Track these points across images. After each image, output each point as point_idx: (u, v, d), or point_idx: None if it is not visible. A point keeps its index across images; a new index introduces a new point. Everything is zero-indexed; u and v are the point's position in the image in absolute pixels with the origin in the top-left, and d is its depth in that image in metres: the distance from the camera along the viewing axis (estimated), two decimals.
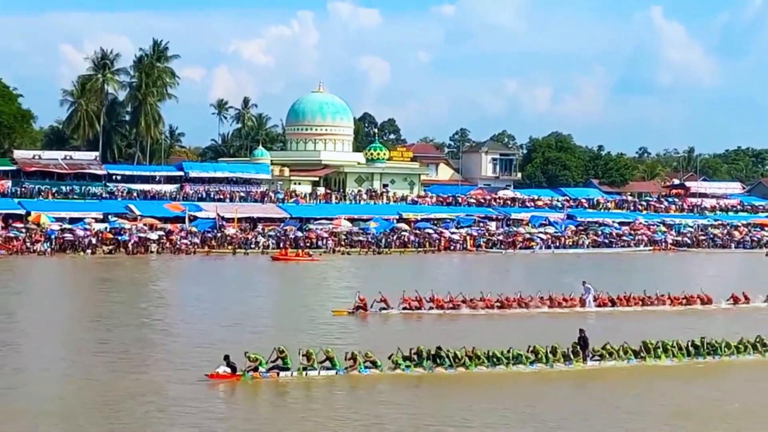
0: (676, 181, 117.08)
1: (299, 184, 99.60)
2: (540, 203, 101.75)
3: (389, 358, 25.18)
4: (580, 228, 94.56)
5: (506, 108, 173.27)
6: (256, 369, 24.79)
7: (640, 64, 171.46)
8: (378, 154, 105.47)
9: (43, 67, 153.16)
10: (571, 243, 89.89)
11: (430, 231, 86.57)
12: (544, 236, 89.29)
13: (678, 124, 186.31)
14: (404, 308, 39.29)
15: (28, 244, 75.10)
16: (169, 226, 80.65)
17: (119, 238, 77.43)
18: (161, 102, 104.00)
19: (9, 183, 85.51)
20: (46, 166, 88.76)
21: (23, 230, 77.75)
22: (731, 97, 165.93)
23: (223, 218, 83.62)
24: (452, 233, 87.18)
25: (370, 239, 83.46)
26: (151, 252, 75.46)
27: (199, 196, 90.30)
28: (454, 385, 24.29)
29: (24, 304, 44.57)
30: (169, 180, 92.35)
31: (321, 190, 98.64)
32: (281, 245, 79.35)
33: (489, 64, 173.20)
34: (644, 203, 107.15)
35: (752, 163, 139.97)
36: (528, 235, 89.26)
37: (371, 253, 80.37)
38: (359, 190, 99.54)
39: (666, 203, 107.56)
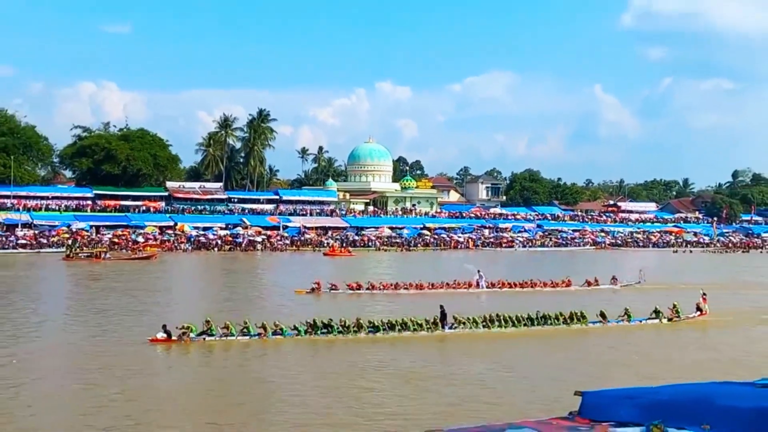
0: (611, 202, 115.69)
1: (356, 204, 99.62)
2: (519, 216, 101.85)
3: (294, 327, 23.32)
4: (546, 233, 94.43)
5: (496, 152, 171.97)
6: (185, 334, 22.58)
7: (587, 122, 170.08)
8: (409, 184, 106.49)
9: (185, 126, 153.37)
10: (539, 244, 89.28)
11: (444, 235, 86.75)
12: (521, 239, 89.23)
13: (612, 163, 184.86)
14: (350, 290, 36.52)
15: (176, 245, 75.86)
16: (269, 233, 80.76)
17: (236, 240, 77.58)
18: (264, 149, 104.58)
19: (163, 203, 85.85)
20: (187, 193, 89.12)
21: (173, 235, 78.50)
22: (649, 144, 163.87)
23: (305, 227, 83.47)
24: (459, 237, 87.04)
25: (403, 241, 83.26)
26: (257, 250, 75.51)
27: (289, 212, 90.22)
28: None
29: (176, 282, 46.04)
30: (269, 201, 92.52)
31: (370, 208, 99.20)
32: (344, 244, 78.63)
33: (485, 123, 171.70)
34: (590, 217, 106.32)
35: (663, 189, 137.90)
36: (510, 238, 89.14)
37: (404, 251, 79.67)
38: (396, 208, 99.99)
39: (604, 217, 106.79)
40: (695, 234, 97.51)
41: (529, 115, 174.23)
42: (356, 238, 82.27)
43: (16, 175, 78.62)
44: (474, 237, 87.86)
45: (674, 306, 27.28)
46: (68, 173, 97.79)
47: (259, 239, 77.46)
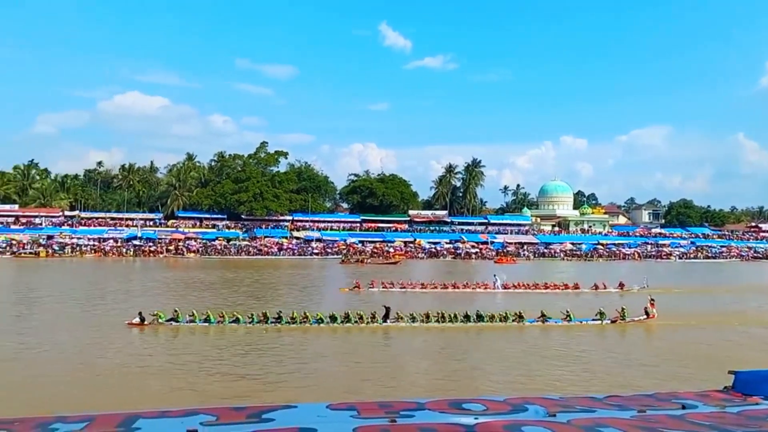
0: (753, 224, 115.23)
1: (544, 225, 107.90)
2: (675, 236, 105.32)
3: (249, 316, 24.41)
4: (698, 248, 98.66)
5: (656, 185, 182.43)
6: (155, 320, 23.89)
7: (732, 162, 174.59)
8: (586, 210, 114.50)
9: (422, 171, 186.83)
10: (692, 256, 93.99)
11: (614, 249, 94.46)
12: (677, 252, 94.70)
13: (754, 192, 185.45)
14: (383, 288, 37.87)
15: (415, 254, 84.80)
16: (481, 246, 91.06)
17: (457, 251, 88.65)
18: (476, 187, 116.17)
19: (406, 225, 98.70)
20: (423, 218, 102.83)
21: (413, 247, 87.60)
22: None
23: (507, 242, 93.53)
24: (626, 250, 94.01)
25: (581, 253, 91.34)
26: (472, 258, 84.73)
27: (495, 231, 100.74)
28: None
29: (411, 277, 45.16)
30: (480, 224, 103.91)
31: (556, 228, 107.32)
32: (534, 256, 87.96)
33: (646, 164, 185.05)
34: (735, 235, 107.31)
35: None
36: (668, 251, 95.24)
37: (584, 260, 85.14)
38: (576, 229, 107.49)
39: (747, 235, 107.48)
40: None
41: (682, 158, 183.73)
42: (545, 250, 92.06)
43: (312, 206, 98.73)
44: (639, 251, 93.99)
45: (622, 309, 26.84)
46: (345, 205, 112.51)
47: (473, 251, 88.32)
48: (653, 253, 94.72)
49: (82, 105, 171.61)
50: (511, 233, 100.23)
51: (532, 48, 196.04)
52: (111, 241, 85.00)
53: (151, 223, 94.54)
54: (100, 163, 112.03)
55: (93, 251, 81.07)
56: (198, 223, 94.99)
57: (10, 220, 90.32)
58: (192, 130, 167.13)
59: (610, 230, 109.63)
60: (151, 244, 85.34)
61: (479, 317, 25.31)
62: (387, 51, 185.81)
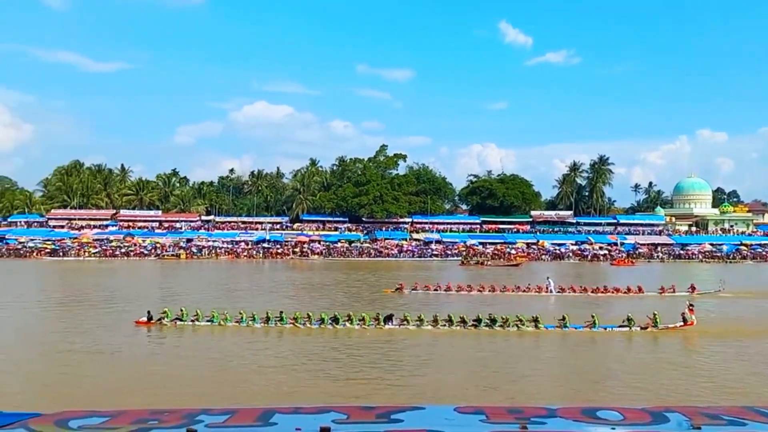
0: None
1: (680, 225, 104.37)
2: None
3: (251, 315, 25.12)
4: None
5: None
6: (161, 319, 25.06)
7: None
8: (726, 209, 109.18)
9: (545, 170, 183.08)
10: None
11: (761, 250, 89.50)
12: None
13: None
14: (425, 289, 38.38)
15: (538, 255, 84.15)
16: (609, 247, 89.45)
17: (583, 253, 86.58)
18: (604, 185, 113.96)
19: (528, 227, 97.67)
20: (548, 218, 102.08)
21: (535, 249, 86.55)
22: None
23: (638, 244, 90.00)
24: None
25: (722, 255, 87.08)
26: (600, 260, 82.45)
27: (625, 232, 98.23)
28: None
29: (530, 280, 41.85)
30: (609, 224, 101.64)
31: (693, 228, 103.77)
32: (669, 258, 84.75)
33: None
34: None
35: None
36: None
37: (725, 262, 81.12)
38: (715, 228, 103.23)
39: None
40: None
41: None
42: (681, 252, 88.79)
43: (430, 208, 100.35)
44: None
45: (654, 315, 25.30)
46: (464, 206, 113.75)
47: (601, 253, 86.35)
48: None
49: (216, 116, 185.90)
50: (642, 234, 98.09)
51: (662, 37, 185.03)
52: (242, 243, 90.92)
53: (278, 226, 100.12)
54: (231, 170, 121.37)
55: (227, 253, 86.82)
56: (321, 226, 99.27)
57: (155, 225, 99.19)
58: (314, 136, 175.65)
59: (755, 230, 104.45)
60: (278, 246, 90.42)
61: (492, 321, 24.86)
62: (507, 49, 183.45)
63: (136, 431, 3.01)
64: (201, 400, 13.83)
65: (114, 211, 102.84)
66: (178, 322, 25.11)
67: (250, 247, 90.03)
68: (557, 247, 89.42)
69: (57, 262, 75.23)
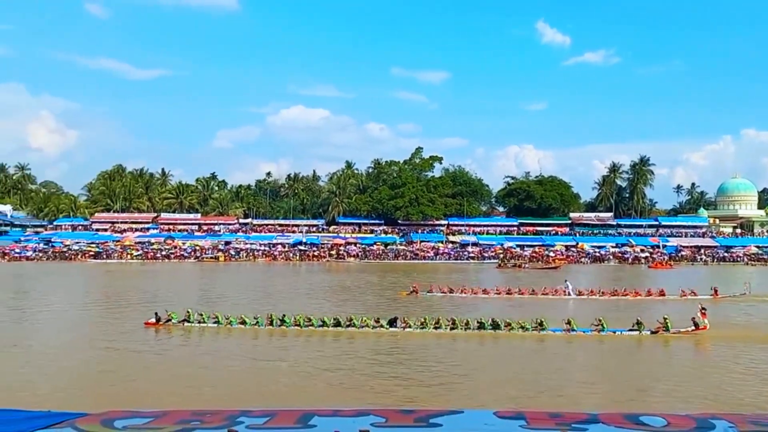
0: None
1: (724, 227, 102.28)
2: None
3: (254, 317, 25.67)
4: None
5: None
6: (169, 320, 25.80)
7: None
8: None
9: (584, 172, 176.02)
10: None
11: None
12: None
13: None
14: (441, 293, 38.45)
15: (577, 258, 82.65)
16: (651, 250, 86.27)
17: (624, 256, 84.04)
18: (645, 186, 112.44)
19: (567, 229, 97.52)
20: (586, 220, 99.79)
21: (575, 251, 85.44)
22: None
23: (680, 246, 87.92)
24: None
25: None
26: (641, 262, 79.82)
27: (667, 234, 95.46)
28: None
29: (567, 282, 40.99)
30: (650, 226, 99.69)
31: (738, 230, 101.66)
32: (713, 260, 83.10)
33: None
34: None
35: None
36: None
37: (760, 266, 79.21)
38: (762, 230, 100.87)
39: None
40: None
41: None
42: (725, 254, 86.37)
43: (467, 210, 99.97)
44: None
45: (664, 319, 24.95)
46: (501, 208, 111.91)
47: (643, 255, 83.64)
48: None
49: (254, 120, 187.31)
50: (685, 236, 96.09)
51: (704, 36, 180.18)
52: (279, 246, 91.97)
53: (315, 228, 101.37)
54: (269, 174, 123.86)
55: (264, 256, 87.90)
56: (357, 229, 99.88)
57: (195, 227, 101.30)
58: (350, 139, 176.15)
59: None
60: (314, 248, 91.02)
61: (495, 325, 24.70)
62: (545, 49, 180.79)
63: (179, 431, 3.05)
64: (239, 401, 13.99)
65: (155, 215, 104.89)
66: (185, 324, 25.68)
67: (287, 249, 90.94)
68: (597, 250, 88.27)
69: (101, 264, 77.14)
